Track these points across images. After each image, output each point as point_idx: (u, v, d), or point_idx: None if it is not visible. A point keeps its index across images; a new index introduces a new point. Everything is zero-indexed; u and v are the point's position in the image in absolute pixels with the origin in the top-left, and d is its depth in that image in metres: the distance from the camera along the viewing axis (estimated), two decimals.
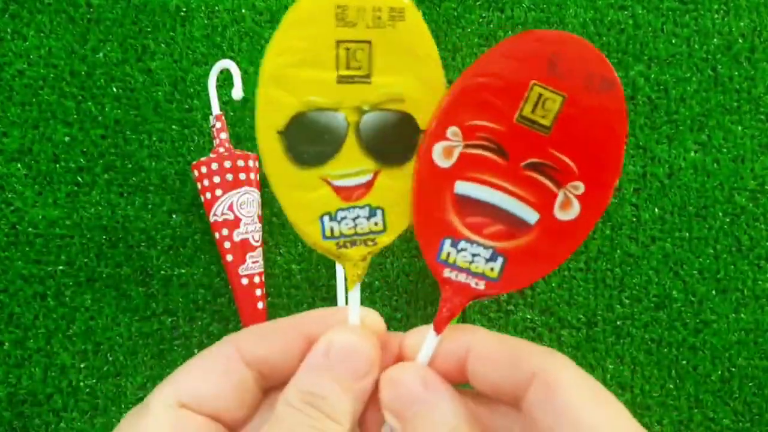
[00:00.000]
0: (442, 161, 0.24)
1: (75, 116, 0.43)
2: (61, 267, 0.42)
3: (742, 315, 0.43)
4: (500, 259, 0.24)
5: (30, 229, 0.42)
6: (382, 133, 0.24)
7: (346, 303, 0.42)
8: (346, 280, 0.25)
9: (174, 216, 0.43)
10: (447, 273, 0.24)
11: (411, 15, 0.23)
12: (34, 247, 0.42)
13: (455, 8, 0.45)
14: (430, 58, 0.23)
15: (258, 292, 0.40)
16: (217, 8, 0.45)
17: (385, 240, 0.25)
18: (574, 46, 0.22)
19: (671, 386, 0.43)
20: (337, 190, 0.24)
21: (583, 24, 0.45)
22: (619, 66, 0.45)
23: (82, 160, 0.43)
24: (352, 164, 0.24)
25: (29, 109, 0.43)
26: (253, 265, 0.40)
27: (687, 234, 0.44)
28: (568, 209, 0.24)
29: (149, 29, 0.44)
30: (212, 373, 0.23)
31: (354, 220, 0.24)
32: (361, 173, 0.24)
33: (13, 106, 0.43)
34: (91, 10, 0.44)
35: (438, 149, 0.24)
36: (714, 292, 0.43)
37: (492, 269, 0.24)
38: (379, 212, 0.24)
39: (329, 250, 0.24)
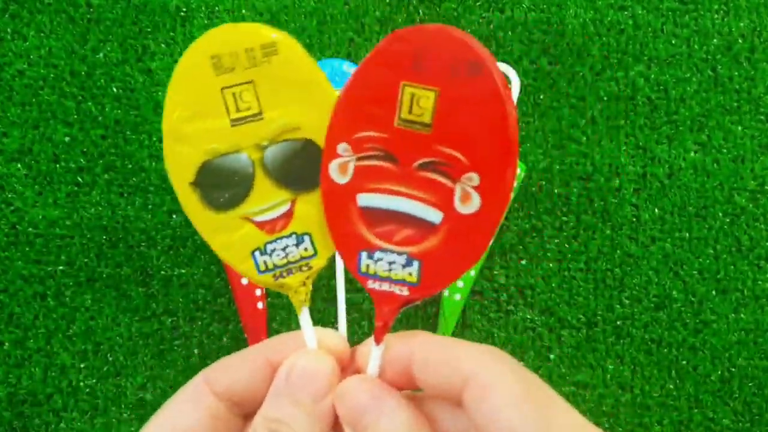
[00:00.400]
0: (339, 178, 0.24)
1: (75, 116, 0.43)
2: (61, 267, 0.42)
3: (742, 315, 0.43)
4: (416, 263, 0.24)
5: (30, 229, 0.42)
6: (287, 163, 0.25)
7: (346, 304, 0.42)
8: (294, 302, 0.26)
9: (174, 216, 0.43)
10: (371, 284, 0.24)
11: (284, 47, 0.23)
12: (34, 247, 0.42)
13: (455, 8, 0.45)
14: (314, 81, 0.24)
15: (258, 292, 0.40)
16: (217, 8, 0.45)
17: (319, 262, 0.25)
18: (435, 37, 0.22)
19: (671, 386, 0.43)
20: (260, 225, 0.25)
21: (583, 24, 0.45)
22: (618, 66, 0.45)
23: (82, 160, 0.43)
24: (267, 199, 0.25)
25: (29, 109, 0.43)
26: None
27: (687, 234, 0.44)
28: (468, 202, 0.23)
29: (149, 29, 0.44)
30: (185, 407, 0.23)
31: (284, 250, 0.25)
32: (278, 205, 0.25)
33: (13, 106, 0.43)
34: (91, 10, 0.44)
35: (333, 167, 0.24)
36: (714, 292, 0.43)
37: (410, 274, 0.24)
38: (306, 238, 0.25)
39: (268, 283, 0.25)
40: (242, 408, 0.24)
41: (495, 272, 0.43)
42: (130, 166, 0.43)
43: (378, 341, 0.24)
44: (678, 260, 0.43)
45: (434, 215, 0.24)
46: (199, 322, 0.42)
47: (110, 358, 0.42)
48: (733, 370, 0.43)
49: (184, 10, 0.45)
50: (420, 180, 0.23)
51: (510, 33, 0.45)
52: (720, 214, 0.44)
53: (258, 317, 0.40)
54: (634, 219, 0.44)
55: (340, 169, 0.24)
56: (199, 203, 0.24)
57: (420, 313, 0.42)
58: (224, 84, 0.23)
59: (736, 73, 0.45)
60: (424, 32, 0.22)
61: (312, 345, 0.24)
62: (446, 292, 0.40)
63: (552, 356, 0.42)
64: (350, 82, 0.23)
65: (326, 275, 0.42)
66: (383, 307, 0.24)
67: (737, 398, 0.43)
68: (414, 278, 0.24)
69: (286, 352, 0.24)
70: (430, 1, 0.45)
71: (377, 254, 0.24)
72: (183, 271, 0.42)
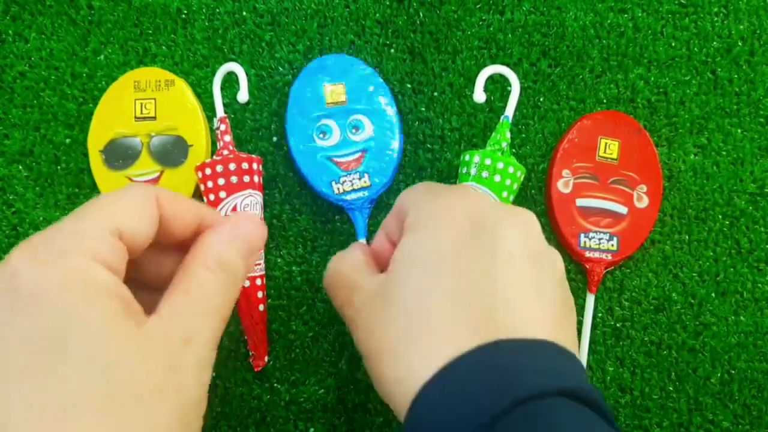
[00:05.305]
0: (564, 189, 0.42)
1: (76, 118, 0.43)
2: None
3: (742, 318, 0.43)
4: (615, 238, 0.41)
5: (31, 230, 0.42)
6: (163, 147, 0.41)
7: None
8: None
9: None
10: (588, 254, 0.41)
11: (178, 83, 0.42)
12: None
13: (455, 11, 0.45)
14: (189, 103, 0.42)
15: (259, 294, 0.40)
16: (218, 10, 0.45)
17: None
18: (617, 114, 0.43)
19: (671, 389, 0.43)
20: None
21: (583, 27, 0.45)
22: (618, 69, 0.45)
23: (83, 162, 0.43)
24: (145, 167, 0.41)
25: (30, 111, 0.44)
26: (255, 267, 0.40)
27: (687, 237, 0.44)
28: (641, 201, 0.42)
29: (150, 31, 0.44)
30: (138, 210, 0.25)
31: None
32: (151, 173, 0.41)
33: (15, 108, 0.43)
34: (93, 12, 0.45)
35: (561, 183, 0.42)
36: (713, 294, 0.43)
37: (612, 245, 0.41)
38: None
39: None
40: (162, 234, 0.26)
41: None
42: None
43: (593, 291, 0.42)
44: (678, 262, 0.44)
45: (623, 209, 0.42)
46: None
47: None
48: (733, 372, 0.43)
49: (185, 12, 0.45)
50: (613, 190, 0.42)
51: (510, 35, 0.45)
52: (720, 217, 0.44)
53: (259, 319, 0.40)
54: None
55: (564, 185, 0.42)
56: (102, 164, 0.41)
57: None
58: (138, 97, 0.42)
59: (736, 76, 0.45)
60: (610, 114, 0.43)
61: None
62: None
63: None
64: (567, 135, 0.42)
65: None
66: (596, 268, 0.41)
67: (737, 401, 0.43)
68: (614, 248, 0.41)
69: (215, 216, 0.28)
70: (431, 4, 0.45)
71: (590, 234, 0.41)
72: None
